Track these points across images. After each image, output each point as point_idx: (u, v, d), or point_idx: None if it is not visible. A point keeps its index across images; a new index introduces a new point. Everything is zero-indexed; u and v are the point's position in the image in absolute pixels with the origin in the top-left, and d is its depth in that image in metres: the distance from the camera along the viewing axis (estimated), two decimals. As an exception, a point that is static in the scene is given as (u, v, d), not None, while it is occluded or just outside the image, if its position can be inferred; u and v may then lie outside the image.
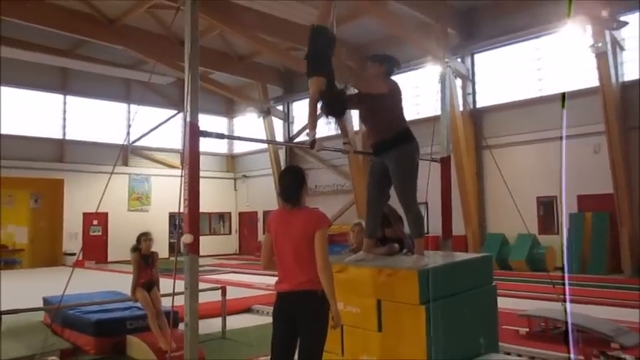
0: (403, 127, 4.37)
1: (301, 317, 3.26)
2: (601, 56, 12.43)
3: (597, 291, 10.11)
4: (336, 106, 4.31)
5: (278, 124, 21.72)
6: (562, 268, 12.65)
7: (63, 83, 20.16)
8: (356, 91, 4.54)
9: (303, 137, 19.71)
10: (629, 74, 13.04)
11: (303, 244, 3.28)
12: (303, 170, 3.60)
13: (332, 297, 3.22)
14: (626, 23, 12.25)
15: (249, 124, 22.27)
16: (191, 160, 3.37)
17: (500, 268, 13.64)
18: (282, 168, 20.51)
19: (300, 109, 21.45)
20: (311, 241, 3.26)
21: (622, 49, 13.06)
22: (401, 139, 4.29)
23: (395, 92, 4.38)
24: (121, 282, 8.80)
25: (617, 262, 12.77)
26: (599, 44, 12.27)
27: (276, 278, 3.43)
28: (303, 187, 3.44)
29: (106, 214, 20.02)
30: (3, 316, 5.69)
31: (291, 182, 3.45)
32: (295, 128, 21.58)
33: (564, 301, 5.81)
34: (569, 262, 12.77)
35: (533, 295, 9.41)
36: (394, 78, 4.45)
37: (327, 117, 4.35)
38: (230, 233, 24.42)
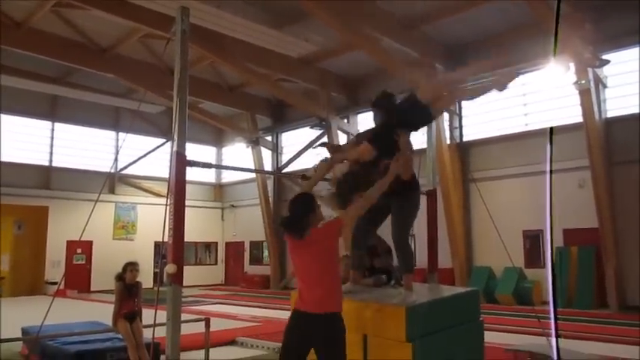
0: (414, 172, 4.49)
1: (318, 341, 3.23)
2: (584, 93, 12.63)
3: (584, 326, 10.07)
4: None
5: (266, 154, 21.76)
6: (548, 303, 12.57)
7: (52, 110, 20.08)
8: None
9: (291, 167, 19.74)
10: (612, 111, 13.32)
11: (319, 265, 3.26)
12: (312, 197, 3.49)
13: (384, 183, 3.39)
14: (608, 61, 12.48)
15: (238, 153, 22.28)
16: (177, 189, 3.35)
17: (487, 301, 13.57)
18: (270, 198, 20.62)
19: (289, 140, 21.56)
20: (326, 258, 3.26)
21: (605, 86, 13.34)
22: (414, 185, 4.40)
23: None
24: (104, 312, 8.60)
25: (603, 297, 12.77)
26: (583, 81, 12.48)
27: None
28: (308, 216, 3.34)
29: (90, 243, 19.74)
30: (-21, 346, 5.55)
31: (294, 213, 3.38)
32: (284, 159, 21.60)
33: (550, 335, 5.78)
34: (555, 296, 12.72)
35: (519, 330, 9.36)
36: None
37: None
38: (216, 263, 24.13)
